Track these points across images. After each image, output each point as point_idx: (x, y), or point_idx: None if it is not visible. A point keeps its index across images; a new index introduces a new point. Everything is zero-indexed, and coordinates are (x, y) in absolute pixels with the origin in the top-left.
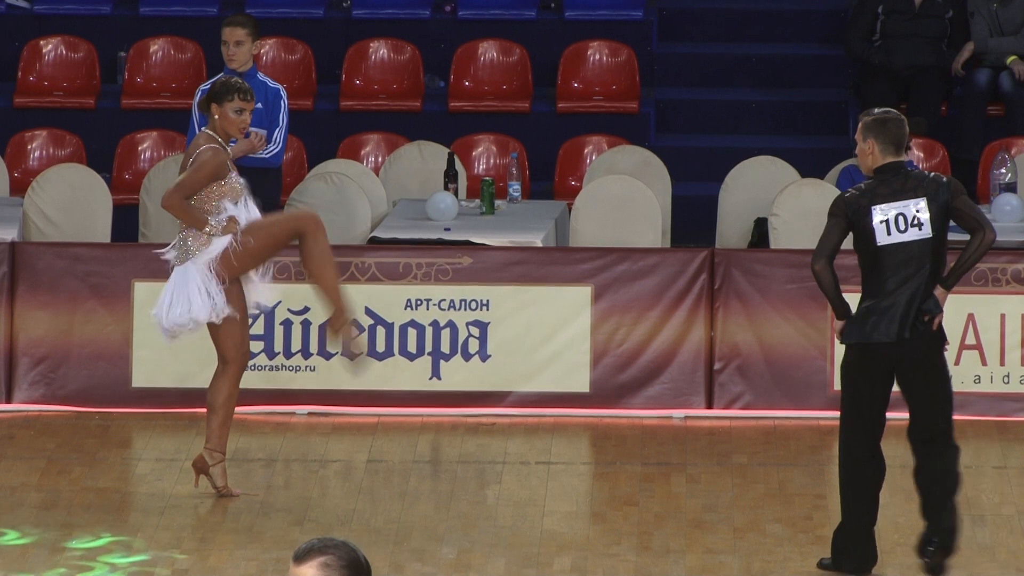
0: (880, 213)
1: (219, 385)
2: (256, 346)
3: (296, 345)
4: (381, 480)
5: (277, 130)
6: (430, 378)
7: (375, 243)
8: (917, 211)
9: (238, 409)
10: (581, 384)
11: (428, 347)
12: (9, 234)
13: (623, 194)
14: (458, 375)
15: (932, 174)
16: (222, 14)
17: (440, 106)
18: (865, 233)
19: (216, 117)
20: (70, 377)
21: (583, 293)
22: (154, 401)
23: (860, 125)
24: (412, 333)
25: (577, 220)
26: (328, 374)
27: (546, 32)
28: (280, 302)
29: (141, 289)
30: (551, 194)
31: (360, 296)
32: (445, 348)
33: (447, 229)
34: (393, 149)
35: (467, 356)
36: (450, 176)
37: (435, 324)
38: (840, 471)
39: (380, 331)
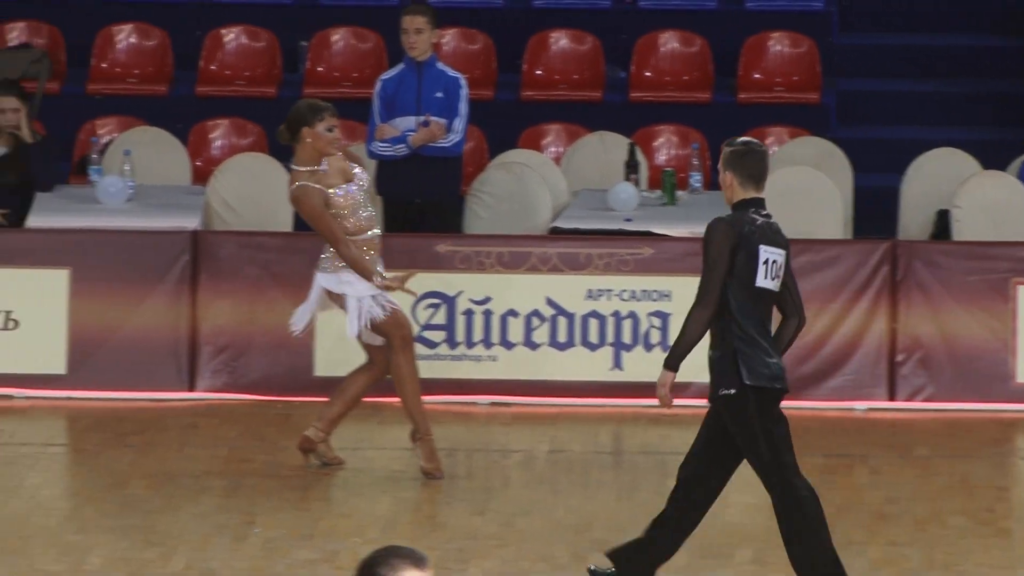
0: (764, 253)
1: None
2: (438, 336)
3: (478, 335)
4: (563, 470)
5: (457, 119)
6: (611, 368)
7: (556, 233)
8: (781, 263)
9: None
10: None
11: (609, 337)
12: (191, 223)
13: (804, 185)
14: (640, 365)
15: (776, 223)
16: (402, 3)
17: (621, 96)
18: (752, 269)
19: (308, 140)
20: (252, 366)
21: None
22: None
23: (721, 155)
24: (593, 324)
25: None
26: (510, 364)
27: (727, 22)
28: (462, 292)
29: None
30: None
31: (541, 286)
32: (627, 339)
33: (628, 219)
34: (574, 139)
35: (648, 347)
36: (631, 166)
37: (616, 315)
38: (796, 522)
39: (561, 321)
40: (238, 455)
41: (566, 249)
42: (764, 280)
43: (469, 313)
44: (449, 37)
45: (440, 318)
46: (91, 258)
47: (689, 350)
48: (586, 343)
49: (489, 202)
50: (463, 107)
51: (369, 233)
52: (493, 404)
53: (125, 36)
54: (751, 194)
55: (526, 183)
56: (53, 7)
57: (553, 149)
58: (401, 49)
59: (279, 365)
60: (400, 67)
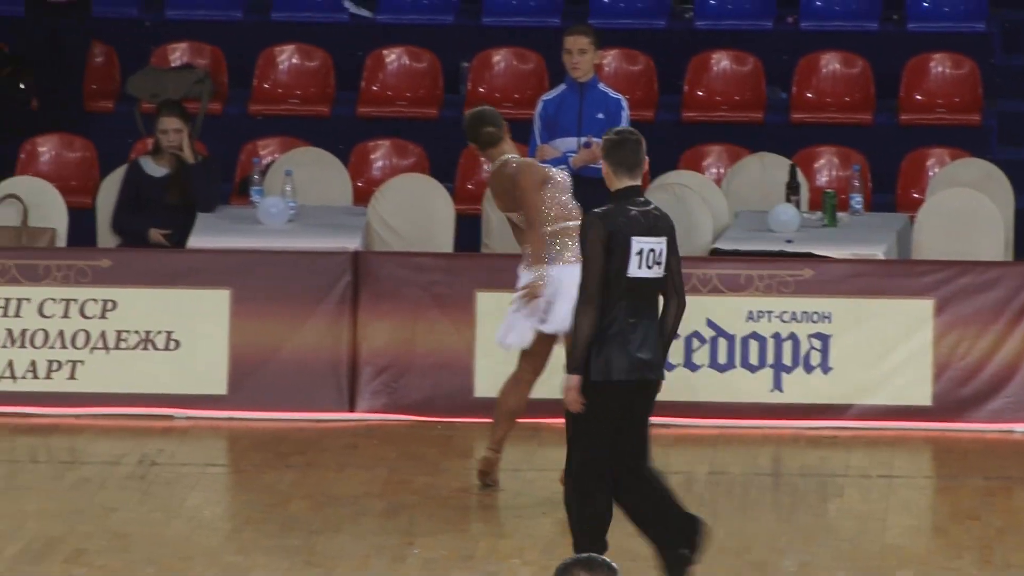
0: (637, 244)
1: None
2: None
3: None
4: (722, 492)
5: None
6: (771, 390)
7: (717, 255)
8: (660, 250)
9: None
10: (923, 397)
11: (770, 359)
12: (352, 243)
13: (965, 207)
14: (800, 387)
15: (658, 210)
16: (564, 24)
17: (782, 117)
18: (623, 261)
19: (507, 139)
20: (412, 386)
21: (925, 306)
22: None
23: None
24: (754, 345)
25: (920, 233)
26: (669, 385)
27: (888, 43)
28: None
29: (484, 299)
30: (893, 206)
31: (702, 308)
32: (787, 360)
33: (789, 241)
34: (735, 160)
35: (809, 368)
36: (792, 188)
37: (776, 336)
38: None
39: (722, 343)
40: (398, 476)
41: (726, 270)
42: (638, 270)
43: None
44: (610, 58)
45: None
46: (252, 279)
47: (586, 351)
48: (746, 364)
49: None
50: None
51: (574, 222)
52: (652, 425)
53: (287, 57)
54: (625, 183)
55: (687, 204)
56: (215, 28)
57: (714, 170)
58: (562, 70)
59: (439, 386)
60: (561, 88)
